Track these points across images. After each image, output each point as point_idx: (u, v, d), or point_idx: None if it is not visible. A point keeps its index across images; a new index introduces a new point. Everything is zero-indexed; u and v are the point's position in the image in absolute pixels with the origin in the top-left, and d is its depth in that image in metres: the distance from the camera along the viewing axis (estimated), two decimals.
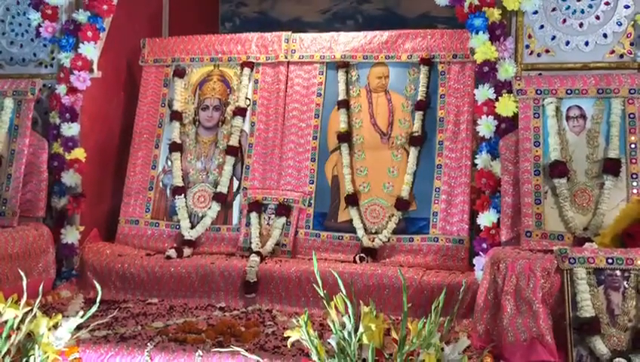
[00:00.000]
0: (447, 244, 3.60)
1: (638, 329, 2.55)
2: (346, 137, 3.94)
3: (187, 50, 4.30)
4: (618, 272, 2.61)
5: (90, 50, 3.87)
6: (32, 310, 2.25)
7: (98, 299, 2.30)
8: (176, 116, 4.21)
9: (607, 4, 3.24)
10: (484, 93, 3.30)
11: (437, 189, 3.72)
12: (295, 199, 3.92)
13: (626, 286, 2.59)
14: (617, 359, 2.52)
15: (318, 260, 3.64)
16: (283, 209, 3.87)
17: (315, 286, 2.14)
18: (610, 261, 2.62)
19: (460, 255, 3.56)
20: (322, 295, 2.11)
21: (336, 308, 2.10)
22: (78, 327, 2.30)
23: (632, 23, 3.22)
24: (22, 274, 2.34)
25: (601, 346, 2.56)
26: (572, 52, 3.27)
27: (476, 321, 2.85)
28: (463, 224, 3.59)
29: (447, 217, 3.66)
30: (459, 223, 3.61)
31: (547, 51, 3.30)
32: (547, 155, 3.11)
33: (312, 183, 3.95)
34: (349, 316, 2.05)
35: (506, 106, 3.22)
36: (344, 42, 4.06)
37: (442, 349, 2.02)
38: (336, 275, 2.15)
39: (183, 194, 4.05)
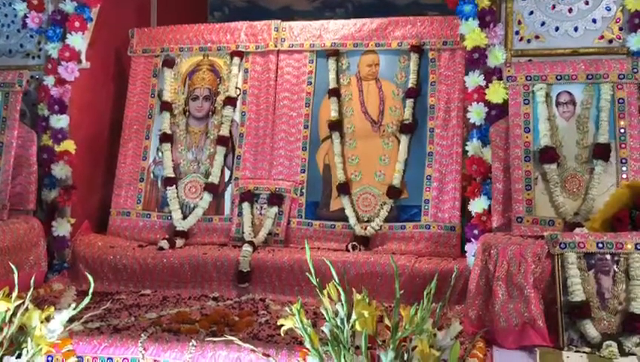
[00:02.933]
0: (438, 231, 3.61)
1: (628, 313, 2.58)
2: (337, 126, 3.93)
3: (176, 39, 4.26)
4: (608, 256, 2.62)
5: (78, 41, 3.82)
6: (24, 303, 2.23)
7: (90, 291, 2.29)
8: (166, 107, 4.18)
9: None
10: (474, 79, 3.30)
11: (428, 177, 3.73)
12: (287, 188, 3.91)
13: (616, 270, 2.61)
14: (607, 341, 2.55)
15: (310, 249, 3.66)
16: (275, 198, 3.87)
17: (307, 274, 2.14)
18: (600, 245, 2.63)
19: (452, 242, 3.58)
20: (315, 283, 2.11)
21: (329, 296, 2.10)
22: (71, 319, 2.29)
23: (621, 8, 3.21)
24: (13, 267, 2.32)
25: (591, 330, 2.58)
26: (562, 38, 3.26)
27: (468, 307, 2.87)
28: (454, 211, 3.61)
29: (439, 204, 3.67)
30: (450, 210, 3.62)
31: (537, 37, 3.30)
32: (537, 141, 3.11)
33: (304, 172, 3.95)
34: (342, 304, 2.06)
35: (496, 93, 3.22)
36: (334, 30, 4.04)
37: (435, 335, 2.03)
38: (328, 263, 2.15)
39: (174, 185, 4.04)
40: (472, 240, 3.19)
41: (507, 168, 3.14)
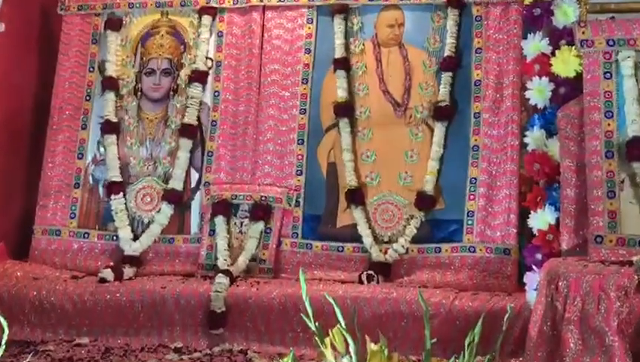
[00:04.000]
0: (487, 256, 3.61)
1: None
2: (346, 110, 3.93)
3: None
4: None
5: None
6: None
7: (4, 340, 2.29)
8: (110, 84, 4.19)
9: None
10: (535, 45, 3.30)
11: (473, 180, 3.72)
12: (277, 197, 3.91)
13: None
14: None
15: (309, 281, 3.68)
16: (260, 211, 3.87)
17: (303, 317, 2.14)
18: None
19: (506, 270, 3.57)
20: (314, 329, 2.11)
21: (333, 346, 2.10)
22: None
23: None
24: None
25: None
26: None
27: (528, 361, 2.86)
28: (509, 227, 3.59)
29: (488, 218, 3.66)
30: (503, 226, 3.61)
31: None
32: (623, 130, 3.10)
33: (301, 175, 3.95)
34: (352, 357, 2.05)
35: (566, 63, 3.22)
36: None
37: None
38: (330, 300, 2.15)
39: (121, 193, 4.04)
40: (534, 267, 3.18)
41: (582, 168, 3.14)
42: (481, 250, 3.64)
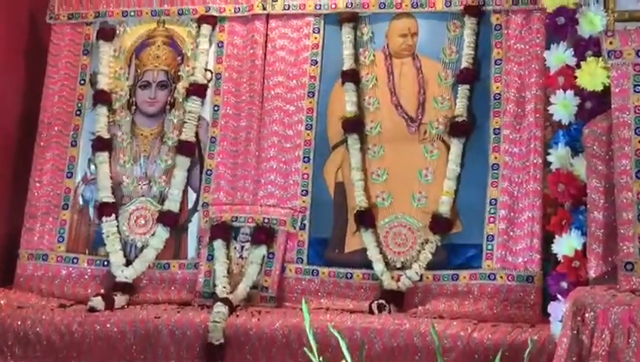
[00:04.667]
0: (508, 284, 3.59)
1: None
2: (355, 125, 3.94)
3: (117, 0, 4.30)
4: None
5: None
6: None
7: None
8: (102, 98, 4.20)
9: None
10: (559, 56, 3.29)
11: (493, 201, 3.71)
12: (281, 219, 3.91)
13: None
14: None
15: (314, 310, 3.65)
16: (263, 234, 3.87)
17: (306, 351, 2.13)
18: None
19: (529, 299, 3.55)
20: None
21: None
22: None
23: None
24: None
25: None
26: None
27: None
28: (532, 253, 3.58)
29: (509, 243, 3.65)
30: (526, 252, 3.59)
31: None
32: None
33: (306, 195, 3.95)
34: None
35: (592, 76, 3.21)
36: None
37: None
38: (335, 333, 2.14)
39: (113, 215, 4.05)
40: (559, 297, 3.15)
41: (610, 188, 3.11)
42: (501, 277, 3.61)
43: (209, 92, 4.16)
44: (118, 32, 4.30)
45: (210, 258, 3.91)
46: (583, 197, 3.19)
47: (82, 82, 4.30)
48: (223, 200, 4.02)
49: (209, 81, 4.18)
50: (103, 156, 4.14)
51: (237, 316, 3.60)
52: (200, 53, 4.18)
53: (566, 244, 3.19)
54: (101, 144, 4.15)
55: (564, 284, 3.16)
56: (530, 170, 3.67)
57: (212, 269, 3.88)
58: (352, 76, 4.00)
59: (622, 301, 2.80)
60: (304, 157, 3.99)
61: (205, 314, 3.59)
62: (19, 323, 3.65)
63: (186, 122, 4.11)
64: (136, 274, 3.96)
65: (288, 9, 4.14)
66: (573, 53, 3.29)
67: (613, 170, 3.11)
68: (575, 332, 2.80)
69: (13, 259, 4.11)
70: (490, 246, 3.67)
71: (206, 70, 4.18)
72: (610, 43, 3.23)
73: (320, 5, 4.10)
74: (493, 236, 3.68)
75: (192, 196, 4.08)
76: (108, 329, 3.59)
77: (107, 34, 4.28)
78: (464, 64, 3.86)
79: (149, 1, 4.29)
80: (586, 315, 2.76)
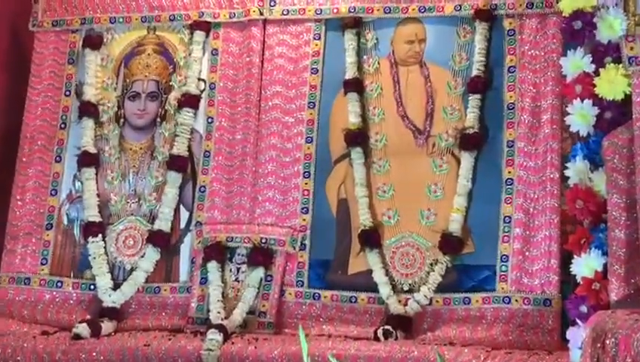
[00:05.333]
0: (524, 308, 3.58)
1: None
2: (359, 138, 3.94)
3: (104, 5, 4.32)
4: None
5: None
6: None
7: None
8: (88, 110, 4.22)
9: None
10: (576, 63, 3.29)
11: (507, 219, 3.71)
12: (279, 239, 3.91)
13: None
14: None
15: (316, 337, 3.65)
16: (260, 255, 3.86)
17: None
18: None
19: (546, 324, 3.54)
20: None
21: None
22: None
23: None
24: None
25: None
26: None
27: None
28: (549, 274, 3.57)
29: (525, 264, 3.64)
30: (543, 273, 3.58)
31: None
32: None
33: (307, 213, 3.95)
34: None
35: (612, 84, 3.20)
36: None
37: None
38: None
39: (100, 235, 4.06)
40: (578, 321, 3.14)
41: (632, 204, 3.10)
42: (517, 300, 3.60)
43: (202, 103, 4.17)
44: (105, 39, 4.32)
45: (204, 281, 3.90)
46: (603, 215, 3.18)
47: (67, 93, 4.31)
48: (217, 219, 4.02)
49: (202, 92, 4.19)
50: (90, 172, 4.15)
51: (232, 343, 3.58)
52: (193, 62, 4.19)
53: (585, 265, 3.17)
54: (87, 159, 4.16)
55: (584, 308, 3.13)
56: (547, 186, 3.66)
57: (206, 293, 3.87)
58: (356, 85, 4.01)
59: None
60: (304, 173, 3.99)
61: (198, 342, 3.58)
62: None
63: (177, 135, 4.12)
64: (125, 299, 3.95)
65: (287, 14, 4.15)
66: (591, 59, 3.28)
67: (635, 184, 3.11)
68: (595, 360, 2.78)
69: None
70: (504, 268, 3.66)
71: (199, 80, 4.19)
72: (631, 48, 3.23)
73: (321, 10, 4.11)
74: (507, 256, 3.67)
75: (184, 215, 4.08)
76: (94, 358, 3.58)
77: (94, 42, 4.30)
78: (475, 72, 3.87)
79: (139, 6, 4.31)
80: (607, 342, 2.74)
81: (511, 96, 3.82)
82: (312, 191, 3.97)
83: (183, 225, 4.08)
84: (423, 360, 3.34)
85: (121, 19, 4.32)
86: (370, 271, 3.80)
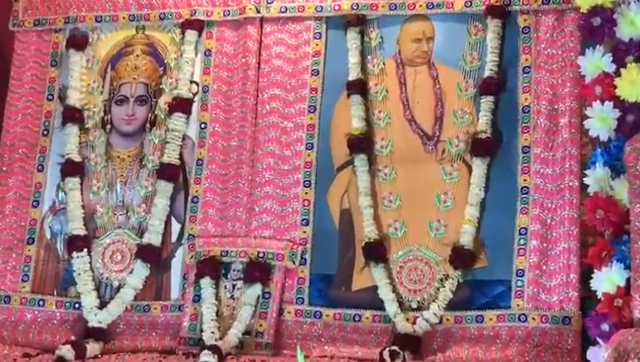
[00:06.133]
0: (542, 326, 3.57)
1: None
2: (363, 144, 3.95)
3: (90, 3, 4.35)
4: None
5: None
6: None
7: None
8: (72, 115, 4.24)
9: None
10: (595, 62, 3.29)
11: (522, 230, 3.71)
12: (277, 253, 3.91)
13: None
14: None
15: (317, 359, 3.66)
16: (257, 271, 3.86)
17: None
18: None
19: (565, 344, 3.53)
20: None
21: None
22: None
23: None
24: None
25: None
26: None
27: None
28: (568, 290, 3.57)
29: (542, 278, 3.64)
30: (562, 288, 3.58)
31: None
32: None
33: (307, 225, 3.95)
34: None
35: (634, 84, 3.20)
36: None
37: None
38: None
39: (85, 250, 4.06)
40: (599, 341, 3.14)
41: None
42: (534, 318, 3.60)
43: (195, 107, 4.19)
44: (91, 39, 4.35)
45: (197, 299, 3.90)
46: (626, 225, 3.17)
47: (50, 97, 4.33)
48: (211, 232, 4.03)
49: (195, 95, 4.20)
50: (74, 182, 4.16)
51: None
52: (184, 63, 4.21)
53: (607, 280, 3.17)
54: (71, 168, 4.18)
55: (606, 326, 3.13)
56: (565, 194, 3.67)
57: (199, 312, 3.87)
58: (359, 87, 4.02)
59: None
60: (304, 182, 4.00)
61: None
62: None
63: (168, 142, 4.13)
64: (112, 318, 3.95)
65: (285, 12, 4.16)
66: (611, 58, 3.29)
67: None
68: None
69: None
70: (520, 283, 3.66)
71: (191, 82, 4.21)
72: None
73: (321, 7, 4.13)
74: (523, 271, 3.67)
75: (175, 227, 4.09)
76: None
77: (78, 42, 4.32)
78: (487, 72, 3.88)
79: (127, 4, 4.33)
80: None
81: (526, 99, 3.83)
82: (313, 202, 3.97)
83: (174, 238, 4.08)
84: None
85: (107, 18, 4.34)
86: (375, 288, 3.80)
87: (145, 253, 4.02)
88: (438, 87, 3.97)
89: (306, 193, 3.99)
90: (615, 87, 3.26)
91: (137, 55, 4.31)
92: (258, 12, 4.18)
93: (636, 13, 3.27)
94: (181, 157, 4.14)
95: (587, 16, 3.34)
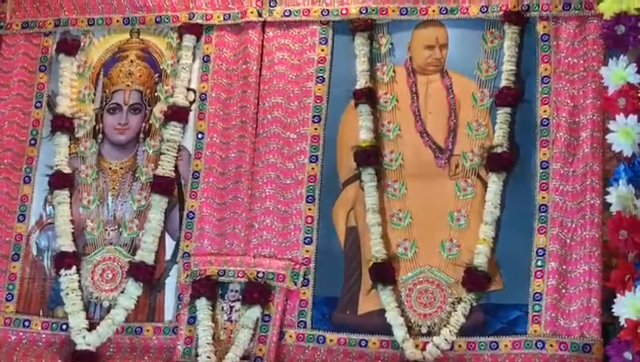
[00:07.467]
0: (561, 354, 3.57)
1: None
2: (371, 157, 3.95)
3: (82, 4, 4.36)
4: None
5: None
6: None
7: None
8: (62, 124, 4.26)
9: None
10: (618, 73, 3.29)
11: (540, 251, 3.71)
12: (278, 273, 3.91)
13: None
14: None
15: None
16: (256, 292, 3.86)
17: None
18: None
19: None
20: None
21: None
22: None
23: None
24: None
25: None
26: None
27: None
28: (589, 316, 3.56)
29: (561, 303, 3.64)
30: (582, 314, 3.58)
31: None
32: None
33: (310, 243, 3.95)
34: None
35: None
36: None
37: None
38: None
39: (74, 267, 4.07)
40: None
41: None
42: (552, 345, 3.60)
43: (192, 116, 4.20)
44: (82, 43, 4.37)
45: (192, 320, 3.90)
46: None
47: (38, 105, 4.36)
48: (207, 250, 4.03)
49: (192, 103, 4.22)
50: (63, 195, 4.18)
51: None
52: (181, 70, 4.23)
53: (630, 305, 3.16)
54: (60, 180, 4.20)
55: (628, 355, 3.13)
56: (587, 213, 3.67)
57: (194, 334, 3.88)
58: (368, 96, 4.02)
59: None
60: (308, 197, 4.00)
61: None
62: None
63: (163, 153, 4.15)
64: (101, 341, 3.96)
65: (289, 15, 4.18)
66: (636, 69, 3.29)
67: None
68: None
69: None
70: (537, 307, 3.66)
71: (188, 90, 4.22)
72: None
73: (328, 11, 4.15)
74: (540, 294, 3.67)
75: (170, 244, 4.10)
76: None
77: (69, 46, 4.34)
78: (504, 82, 3.88)
79: (121, 7, 4.35)
80: None
81: (545, 110, 3.83)
82: (317, 218, 3.98)
83: (168, 256, 4.09)
84: None
85: (100, 21, 4.36)
86: (383, 311, 3.79)
87: (137, 271, 4.03)
88: (451, 97, 3.98)
89: (310, 209, 3.99)
90: None
91: (131, 60, 4.32)
92: (260, 16, 4.20)
93: None
94: (176, 169, 4.15)
95: (611, 23, 3.34)
